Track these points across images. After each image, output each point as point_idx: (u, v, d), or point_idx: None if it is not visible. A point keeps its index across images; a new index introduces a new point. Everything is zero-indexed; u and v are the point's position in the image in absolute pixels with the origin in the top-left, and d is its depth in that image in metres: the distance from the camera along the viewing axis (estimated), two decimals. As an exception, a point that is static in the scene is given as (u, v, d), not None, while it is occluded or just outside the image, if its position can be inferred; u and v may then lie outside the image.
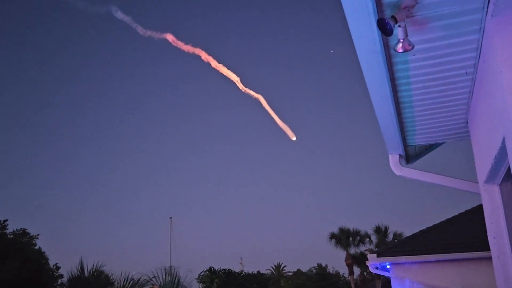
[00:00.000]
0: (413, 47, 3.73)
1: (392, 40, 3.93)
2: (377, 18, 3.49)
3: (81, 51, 69.71)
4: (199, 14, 71.21)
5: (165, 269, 9.89)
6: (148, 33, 57.96)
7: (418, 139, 6.47)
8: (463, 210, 13.35)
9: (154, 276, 9.98)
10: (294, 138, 62.61)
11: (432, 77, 4.70)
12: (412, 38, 3.76)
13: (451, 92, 5.06)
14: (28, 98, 68.98)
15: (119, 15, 56.40)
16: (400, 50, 3.75)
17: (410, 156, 6.82)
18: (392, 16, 3.49)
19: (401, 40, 3.69)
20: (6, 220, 19.56)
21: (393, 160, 6.61)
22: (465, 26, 3.86)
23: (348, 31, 3.79)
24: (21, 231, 19.70)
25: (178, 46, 58.40)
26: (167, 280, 9.85)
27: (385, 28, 3.45)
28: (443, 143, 6.80)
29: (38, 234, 20.25)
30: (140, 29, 57.51)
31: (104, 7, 57.97)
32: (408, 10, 3.59)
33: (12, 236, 19.31)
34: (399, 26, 3.59)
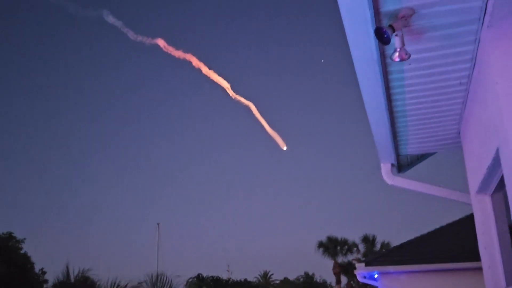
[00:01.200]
0: (409, 56, 3.74)
1: (388, 49, 3.94)
2: (374, 27, 3.50)
3: (73, 56, 69.33)
4: (190, 20, 71.25)
5: (156, 276, 9.79)
6: (139, 38, 57.86)
7: (410, 149, 6.50)
8: (452, 220, 13.40)
9: (144, 281, 9.87)
10: (284, 148, 62.57)
11: (426, 87, 4.73)
12: (408, 48, 3.78)
13: (445, 102, 5.09)
14: (21, 102, 68.32)
15: (111, 19, 56.25)
16: (397, 59, 3.75)
17: (402, 166, 6.84)
18: (390, 25, 3.50)
19: (398, 49, 3.70)
20: None
21: (385, 169, 6.63)
22: (461, 36, 3.89)
23: (342, 39, 3.81)
24: (7, 235, 19.46)
25: (169, 52, 58.37)
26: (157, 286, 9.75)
27: (382, 37, 3.46)
28: (434, 153, 6.85)
29: (24, 238, 20.01)
30: (131, 34, 57.42)
31: (96, 11, 57.79)
32: (405, 19, 3.61)
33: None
34: (396, 35, 3.60)
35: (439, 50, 4.07)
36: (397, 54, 3.76)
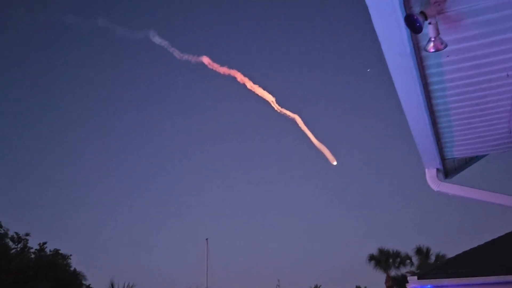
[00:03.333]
0: (445, 45, 3.38)
1: (423, 40, 3.59)
2: (404, 14, 3.17)
3: (121, 77, 71.53)
4: (234, 36, 71.81)
5: None
6: (185, 56, 58.83)
7: (457, 151, 6.01)
8: (510, 230, 12.62)
9: None
10: (334, 163, 61.23)
11: (469, 82, 4.32)
12: (445, 38, 3.42)
13: (492, 98, 4.64)
14: (77, 124, 71.06)
15: (157, 40, 57.53)
16: (432, 50, 3.40)
17: (448, 170, 6.36)
18: (421, 12, 3.17)
19: (432, 39, 3.35)
20: (46, 243, 19.89)
21: (430, 174, 6.16)
22: (505, 21, 3.49)
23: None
24: (54, 252, 19.91)
25: (214, 69, 59.03)
26: None
27: (413, 25, 3.13)
28: (485, 155, 6.31)
29: (70, 255, 20.43)
30: (177, 53, 58.47)
31: (143, 32, 59.33)
32: (439, 5, 3.26)
33: (46, 257, 19.57)
34: (430, 23, 3.27)
35: (480, 38, 3.67)
36: (431, 44, 3.41)
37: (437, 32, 3.30)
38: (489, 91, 4.50)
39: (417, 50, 3.75)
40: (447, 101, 4.61)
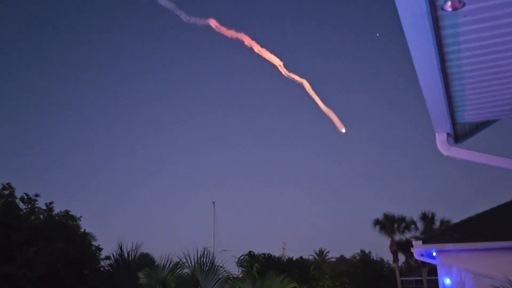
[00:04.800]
0: (464, 4, 3.28)
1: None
2: (422, -29, 3.07)
3: (128, 40, 70.86)
4: (241, -1, 70.72)
5: (197, 250, 9.74)
6: (192, 19, 57.91)
7: (468, 116, 5.93)
8: (517, 195, 12.59)
9: (187, 256, 9.86)
10: (343, 130, 60.69)
11: (485, 43, 4.20)
12: (462, -4, 3.31)
13: (508, 61, 4.52)
14: (71, 91, 70.97)
15: (163, 2, 56.54)
16: (449, 9, 3.31)
17: (459, 135, 6.28)
18: (440, -31, 3.06)
19: (450, -3, 3.25)
20: (52, 203, 20.13)
21: (440, 139, 6.11)
22: (526, -21, 3.37)
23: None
24: (64, 213, 20.21)
25: (221, 32, 58.16)
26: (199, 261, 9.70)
27: (431, -18, 3.03)
28: (497, 120, 6.22)
29: (80, 216, 20.72)
30: (183, 16, 57.55)
31: (149, -6, 58.27)
32: (458, -39, 3.15)
33: (57, 218, 19.90)
34: (448, -20, 3.15)
35: (500, -4, 3.55)
36: (449, 3, 3.31)
37: (455, -10, 3.20)
38: (505, 53, 4.38)
39: (433, 9, 3.63)
40: (461, 63, 4.51)
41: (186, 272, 10.47)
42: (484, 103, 5.55)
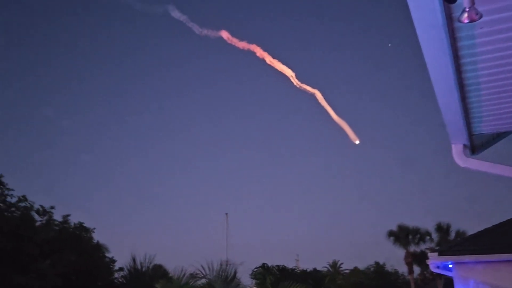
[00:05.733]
0: (481, 16, 3.26)
1: (455, 11, 3.47)
2: (438, -17, 3.06)
3: (140, 52, 71.65)
4: (253, 10, 71.17)
5: (220, 263, 9.78)
6: (204, 31, 58.41)
7: (485, 127, 5.88)
8: (534, 207, 12.40)
9: (207, 268, 9.90)
10: (357, 142, 60.32)
11: (502, 55, 4.18)
12: (479, 8, 3.29)
13: (525, 72, 4.49)
14: (84, 94, 71.68)
15: (176, 14, 57.14)
16: (466, 21, 3.29)
17: (475, 146, 6.23)
18: (456, -19, 3.06)
19: (467, 9, 3.23)
20: (69, 215, 20.37)
21: (457, 150, 6.05)
22: (544, -10, 3.35)
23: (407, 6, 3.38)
24: (78, 225, 20.39)
25: (233, 43, 58.54)
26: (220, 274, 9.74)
27: (447, -5, 3.02)
28: (513, 131, 6.17)
29: (94, 228, 20.88)
30: (196, 28, 58.07)
31: (162, 7, 58.95)
32: (475, -27, 3.14)
33: (71, 230, 20.09)
34: (464, -8, 3.14)
35: (516, 8, 3.53)
36: (466, 14, 3.29)
37: (472, 2, 3.19)
38: (522, 65, 4.36)
39: (450, 21, 3.63)
40: (478, 74, 4.48)
41: (202, 283, 10.49)
42: (501, 114, 5.50)
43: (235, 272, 9.95)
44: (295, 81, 58.70)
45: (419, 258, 37.54)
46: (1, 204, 18.32)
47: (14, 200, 18.48)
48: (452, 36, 3.81)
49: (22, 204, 18.59)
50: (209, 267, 9.90)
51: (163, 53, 71.36)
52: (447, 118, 5.26)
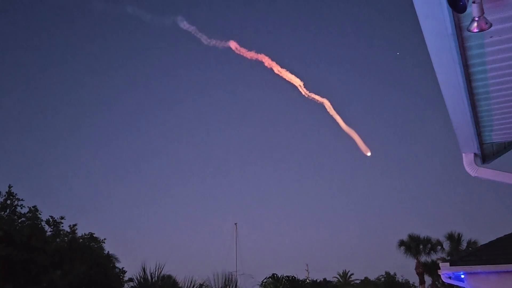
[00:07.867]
0: (490, 25, 3.26)
1: (465, 20, 3.48)
2: (447, -7, 3.07)
3: (150, 62, 72.23)
4: (261, 21, 71.61)
5: (224, 275, 9.77)
6: (213, 42, 58.77)
7: (495, 136, 5.85)
8: (547, 216, 12.24)
9: (212, 279, 9.90)
10: (368, 154, 59.80)
11: (511, 63, 4.16)
12: (489, 17, 3.29)
13: (535, 80, 4.47)
14: (106, 109, 72.36)
15: (185, 25, 57.60)
16: (476, 30, 3.28)
17: (486, 155, 6.19)
18: (465, -9, 3.06)
19: (476, 19, 3.23)
20: (75, 225, 20.42)
21: (467, 159, 6.02)
22: (553, -1, 3.34)
23: (414, 15, 3.40)
24: (88, 235, 20.46)
25: (242, 53, 58.81)
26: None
27: (457, 4, 3.02)
28: (525, 140, 6.12)
29: (104, 239, 20.94)
30: (204, 39, 58.45)
31: (171, 18, 59.49)
32: (483, -17, 3.15)
33: (81, 240, 20.17)
34: (474, 2, 3.15)
35: (526, 17, 3.53)
36: (475, 24, 3.29)
37: (482, 12, 3.19)
38: (533, 73, 4.34)
39: (459, 30, 3.63)
40: (488, 83, 4.47)
41: None
42: (511, 122, 5.47)
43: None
44: (304, 91, 58.70)
45: (430, 268, 37.09)
46: (11, 215, 18.44)
47: (24, 210, 18.65)
48: (461, 45, 3.81)
49: (31, 215, 18.72)
50: (214, 279, 9.90)
51: (171, 63, 71.87)
52: (457, 127, 5.24)
